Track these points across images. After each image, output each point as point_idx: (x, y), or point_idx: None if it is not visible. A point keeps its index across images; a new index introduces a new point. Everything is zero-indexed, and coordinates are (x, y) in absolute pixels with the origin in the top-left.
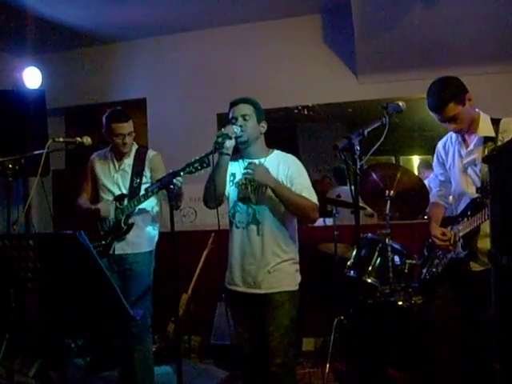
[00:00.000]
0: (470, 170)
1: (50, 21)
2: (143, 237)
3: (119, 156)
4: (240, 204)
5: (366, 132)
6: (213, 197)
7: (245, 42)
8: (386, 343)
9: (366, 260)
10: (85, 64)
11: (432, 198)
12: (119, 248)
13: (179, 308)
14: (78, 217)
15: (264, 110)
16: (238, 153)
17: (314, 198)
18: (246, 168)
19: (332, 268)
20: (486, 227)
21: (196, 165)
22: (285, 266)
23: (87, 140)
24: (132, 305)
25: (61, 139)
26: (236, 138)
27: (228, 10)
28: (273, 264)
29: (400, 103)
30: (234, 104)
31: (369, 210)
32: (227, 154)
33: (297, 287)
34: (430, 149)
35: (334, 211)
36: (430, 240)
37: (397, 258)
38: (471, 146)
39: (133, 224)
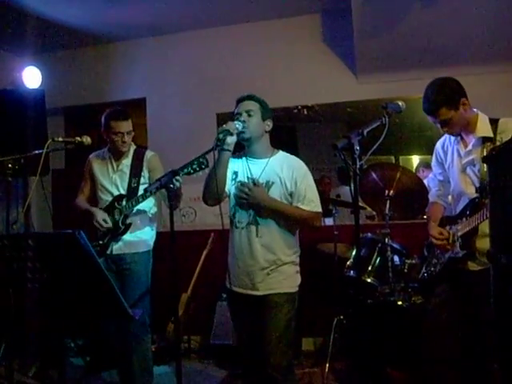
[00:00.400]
0: (468, 170)
1: (49, 20)
2: (141, 237)
3: (117, 156)
4: (248, 184)
5: (365, 132)
6: (213, 194)
7: (244, 42)
8: (385, 343)
9: (365, 260)
10: (84, 64)
11: (431, 197)
12: (117, 248)
13: (179, 308)
14: (77, 216)
15: None
16: (241, 150)
17: (316, 205)
18: (240, 190)
19: (331, 268)
20: (484, 227)
21: (195, 165)
22: (284, 268)
23: (87, 140)
24: (130, 305)
25: (60, 139)
26: (238, 134)
27: (228, 10)
28: (272, 266)
29: (400, 103)
30: (239, 100)
31: (369, 210)
32: (228, 150)
33: (296, 289)
34: (429, 149)
35: (334, 211)
36: (429, 240)
37: (396, 258)
38: (470, 147)
39: (130, 224)
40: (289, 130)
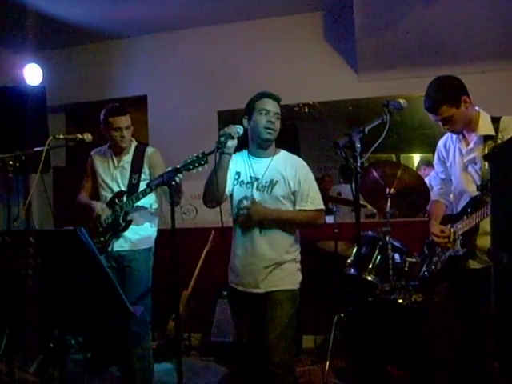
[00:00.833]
0: (470, 168)
1: (50, 17)
2: (142, 234)
3: (118, 152)
4: (244, 202)
5: (366, 129)
6: (213, 196)
7: (246, 40)
8: (385, 341)
9: (366, 258)
10: (85, 61)
11: (433, 195)
12: (118, 245)
13: (179, 305)
14: (77, 213)
15: None
16: (242, 148)
17: (319, 203)
18: (240, 211)
19: (332, 266)
20: (485, 225)
21: (194, 161)
22: (286, 265)
23: (88, 137)
24: (131, 302)
25: (61, 136)
26: (238, 137)
27: (229, 7)
28: (274, 264)
29: (401, 101)
30: (267, 96)
31: (369, 209)
32: (228, 154)
33: (298, 286)
34: (430, 147)
35: (335, 209)
36: (430, 238)
37: (397, 256)
38: (471, 145)
39: (131, 221)
40: (290, 128)
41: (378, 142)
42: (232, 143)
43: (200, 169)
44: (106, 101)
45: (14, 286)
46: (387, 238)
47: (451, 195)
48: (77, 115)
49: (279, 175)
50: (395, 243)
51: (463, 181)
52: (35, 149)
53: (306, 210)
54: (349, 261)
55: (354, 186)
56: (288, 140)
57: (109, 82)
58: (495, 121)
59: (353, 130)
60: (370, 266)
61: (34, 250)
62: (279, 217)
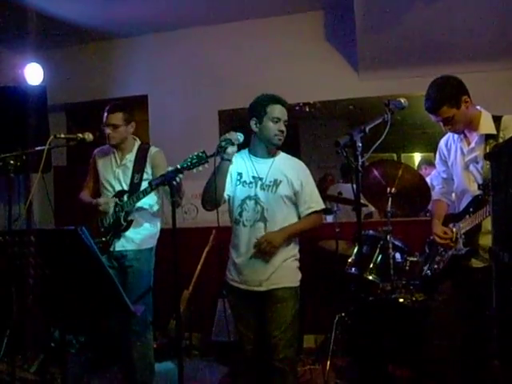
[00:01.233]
0: (471, 167)
1: (51, 17)
2: (143, 234)
3: (121, 151)
4: (248, 202)
5: (367, 129)
6: (211, 200)
7: (246, 39)
8: (386, 340)
9: (367, 257)
10: (86, 60)
11: (435, 195)
12: (119, 245)
13: (180, 305)
14: (78, 213)
15: None
16: (245, 148)
17: (321, 202)
18: (259, 246)
19: (333, 265)
20: (487, 224)
21: (194, 160)
22: (288, 263)
23: (88, 136)
24: (132, 302)
25: (62, 135)
26: (238, 144)
27: (229, 7)
28: (278, 261)
29: (402, 100)
30: (278, 101)
31: (367, 209)
32: (228, 160)
33: (298, 283)
34: (431, 146)
35: (336, 208)
36: (432, 237)
37: (398, 255)
38: (473, 144)
39: (132, 221)
40: (290, 128)
41: (379, 141)
42: (232, 149)
43: (200, 168)
44: (107, 100)
45: (15, 285)
46: (388, 237)
47: (453, 194)
48: (78, 115)
49: (282, 175)
50: (396, 242)
51: (465, 180)
52: (36, 148)
53: (312, 212)
54: (350, 260)
55: (355, 185)
56: (288, 139)
57: (110, 82)
58: (496, 120)
59: (354, 129)
60: (371, 266)
61: (35, 250)
62: (290, 232)
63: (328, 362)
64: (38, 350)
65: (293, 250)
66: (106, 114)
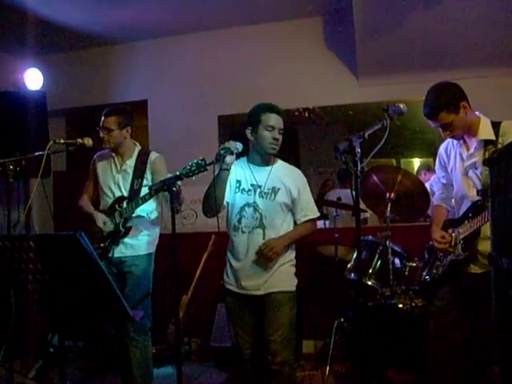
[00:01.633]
0: (471, 173)
1: (51, 22)
2: (142, 239)
3: (121, 156)
4: (247, 209)
5: (366, 134)
6: (212, 207)
7: (246, 45)
8: (386, 346)
9: (366, 262)
10: (86, 65)
11: (434, 200)
12: (118, 251)
13: (179, 310)
14: (78, 218)
15: None
16: (244, 155)
17: (315, 211)
18: (262, 253)
19: (332, 270)
20: (486, 229)
21: (194, 169)
22: (286, 267)
23: (88, 141)
24: (131, 307)
25: (62, 140)
26: (237, 153)
27: (229, 13)
28: (276, 266)
29: (401, 105)
30: (272, 110)
31: (363, 214)
32: (227, 169)
33: (294, 288)
34: (430, 152)
35: (335, 213)
36: (431, 242)
37: (397, 261)
38: (472, 150)
39: (131, 227)
40: (290, 133)
41: (378, 146)
42: (231, 158)
43: (199, 175)
44: (107, 105)
45: (15, 290)
46: (387, 242)
47: (453, 200)
48: (77, 120)
49: (280, 183)
50: (395, 248)
51: (464, 185)
52: (36, 153)
53: (308, 220)
54: (349, 265)
55: (354, 190)
56: (288, 145)
57: (109, 87)
58: (495, 125)
59: (353, 134)
60: (370, 271)
61: (34, 255)
62: (290, 239)
63: (327, 368)
64: (37, 355)
65: (290, 255)
66: (102, 118)
